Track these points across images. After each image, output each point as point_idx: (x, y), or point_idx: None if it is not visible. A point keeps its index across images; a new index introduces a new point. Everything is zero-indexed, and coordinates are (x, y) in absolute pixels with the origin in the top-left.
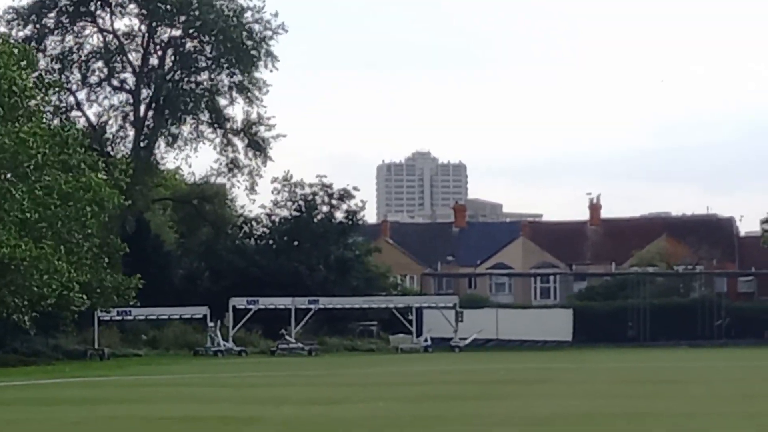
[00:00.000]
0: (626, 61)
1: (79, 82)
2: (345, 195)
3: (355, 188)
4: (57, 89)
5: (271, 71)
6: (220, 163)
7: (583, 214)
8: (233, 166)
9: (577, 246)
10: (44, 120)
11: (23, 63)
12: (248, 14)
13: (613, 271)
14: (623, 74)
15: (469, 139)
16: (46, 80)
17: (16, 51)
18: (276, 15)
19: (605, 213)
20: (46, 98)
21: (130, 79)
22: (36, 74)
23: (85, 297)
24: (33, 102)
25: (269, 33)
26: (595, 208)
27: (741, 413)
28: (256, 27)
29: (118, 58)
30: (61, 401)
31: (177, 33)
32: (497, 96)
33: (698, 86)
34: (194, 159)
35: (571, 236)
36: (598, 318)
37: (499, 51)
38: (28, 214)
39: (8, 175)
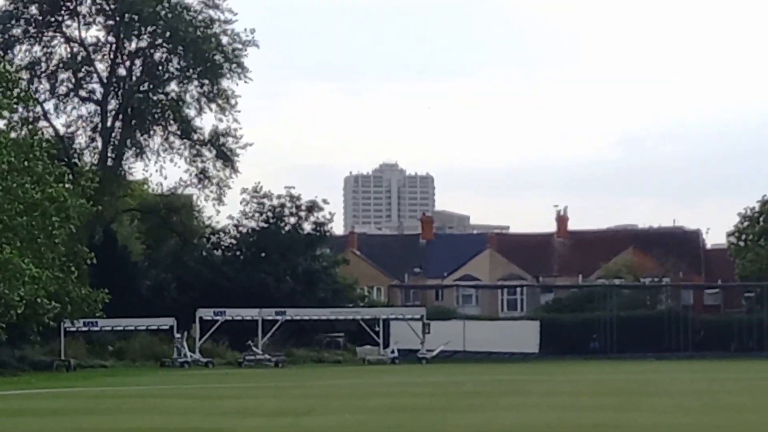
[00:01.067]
0: (593, 73)
1: (48, 93)
2: (313, 207)
3: (324, 201)
4: (27, 100)
5: (238, 84)
6: (190, 174)
7: (550, 226)
8: (203, 176)
9: (544, 258)
10: (12, 129)
11: None
12: (217, 26)
13: (580, 283)
14: (590, 86)
15: (436, 150)
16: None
17: None
18: (253, 31)
19: (572, 225)
20: (13, 107)
21: (98, 90)
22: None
23: (54, 304)
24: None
25: (239, 45)
26: (562, 220)
27: (707, 425)
28: (225, 39)
29: (86, 69)
30: (27, 413)
31: (145, 44)
32: (465, 108)
33: (665, 99)
34: (163, 170)
35: (539, 248)
36: (565, 330)
37: (467, 63)
38: None
39: None
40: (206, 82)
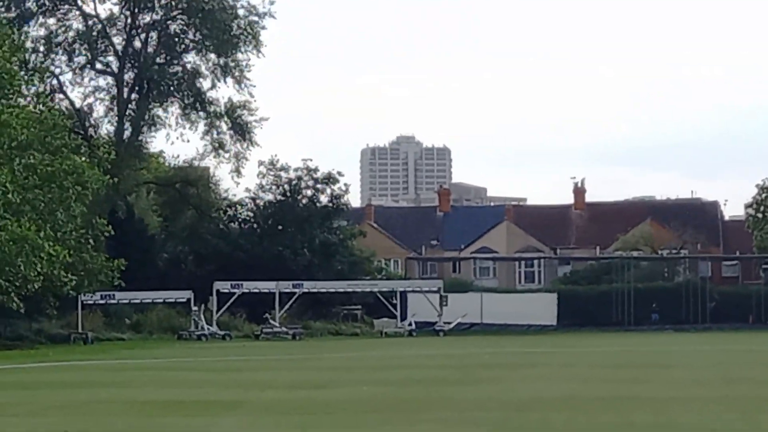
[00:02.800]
0: (611, 46)
1: (63, 66)
2: (329, 179)
3: (339, 173)
4: (42, 73)
5: (257, 56)
6: (206, 146)
7: (567, 198)
8: (219, 148)
9: (561, 230)
10: (28, 103)
11: (6, 47)
12: None
13: (598, 255)
14: (608, 59)
15: (453, 123)
16: (31, 66)
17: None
18: (272, 2)
19: (590, 197)
20: (31, 81)
21: (114, 63)
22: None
23: (71, 276)
24: (17, 85)
25: (256, 18)
26: (579, 192)
27: (723, 398)
28: (242, 11)
29: (102, 42)
30: (45, 385)
31: (159, 16)
32: (481, 80)
33: (683, 72)
34: (179, 142)
35: (556, 220)
36: (582, 302)
37: (484, 36)
38: (10, 196)
39: None
40: (222, 53)
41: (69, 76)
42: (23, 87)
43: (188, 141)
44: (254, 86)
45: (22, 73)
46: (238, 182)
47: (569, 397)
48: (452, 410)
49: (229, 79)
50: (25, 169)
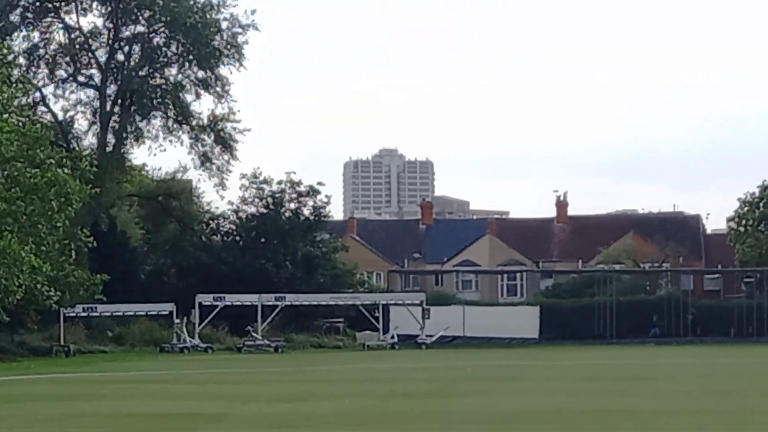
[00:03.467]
0: (594, 57)
1: (46, 78)
2: (311, 191)
3: (320, 183)
4: (25, 85)
5: (238, 70)
6: (193, 158)
7: (550, 212)
8: (205, 160)
9: (544, 243)
10: (11, 115)
11: None
12: (216, 10)
13: (580, 268)
14: (591, 70)
15: (435, 136)
16: (14, 76)
17: None
18: (253, 12)
19: (572, 210)
20: (12, 93)
21: (97, 75)
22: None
23: (53, 290)
24: (1, 97)
25: (239, 30)
26: (561, 205)
27: (707, 410)
28: (225, 24)
29: (84, 54)
30: (27, 398)
31: (143, 29)
32: (464, 93)
33: (666, 83)
34: (161, 155)
35: (538, 233)
36: (565, 315)
37: (466, 47)
38: None
39: None
40: (204, 66)
41: (51, 88)
42: (8, 100)
43: (173, 151)
44: (235, 101)
45: (6, 86)
46: (223, 195)
47: (554, 411)
48: (436, 423)
49: (212, 92)
50: (7, 180)
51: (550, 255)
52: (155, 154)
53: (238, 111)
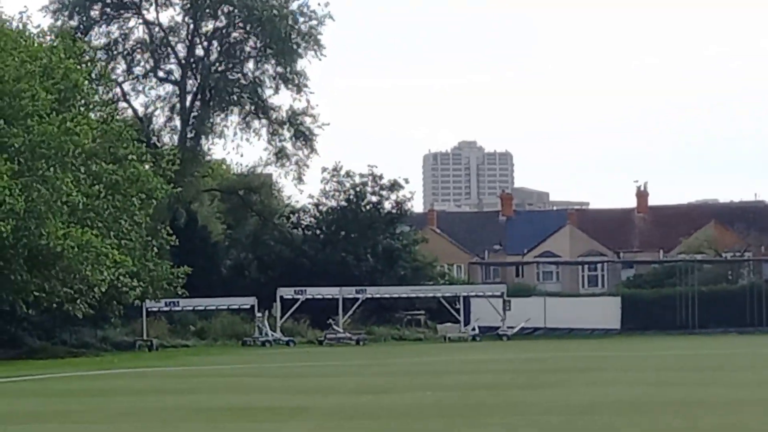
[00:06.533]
0: (670, 47)
1: (125, 74)
2: (394, 185)
3: (405, 180)
4: (105, 81)
5: (319, 60)
6: (269, 153)
7: (630, 202)
8: (282, 155)
9: (624, 234)
10: (93, 111)
11: (67, 54)
12: (294, 4)
13: (661, 258)
14: (669, 60)
15: (514, 128)
16: (94, 72)
17: (68, 43)
18: (327, 4)
19: (652, 200)
20: (94, 89)
21: (176, 70)
22: (86, 66)
23: (135, 283)
24: (83, 93)
25: (315, 22)
26: (642, 195)
27: None
28: (301, 17)
29: (164, 50)
30: (111, 392)
31: (222, 24)
32: (543, 84)
33: (746, 73)
34: (240, 150)
35: (619, 224)
36: (646, 306)
37: (546, 38)
38: (74, 197)
39: (55, 165)
40: (282, 61)
41: (130, 84)
42: (89, 96)
43: (252, 146)
44: (312, 93)
45: (87, 82)
46: (301, 189)
47: (634, 401)
48: (517, 414)
49: (290, 87)
50: (90, 176)
51: (631, 245)
52: (237, 148)
53: (317, 105)
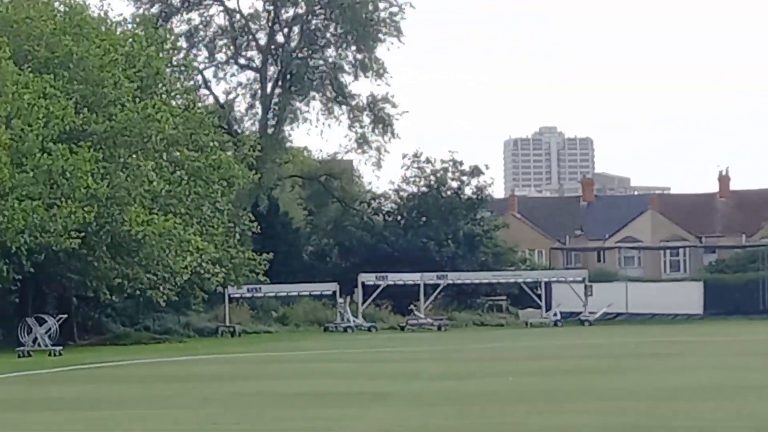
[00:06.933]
0: (748, 29)
1: (206, 61)
2: (475, 171)
3: (486, 166)
4: (187, 68)
5: (401, 42)
6: (349, 140)
7: (712, 186)
8: (362, 141)
9: (706, 218)
10: (175, 98)
11: (149, 42)
12: None
13: (744, 243)
14: (749, 45)
15: (595, 113)
16: (176, 61)
17: (150, 31)
18: None
19: (735, 184)
20: (176, 76)
21: (257, 57)
22: (167, 53)
23: (218, 270)
24: (164, 81)
25: (396, 9)
26: (724, 179)
27: None
28: (382, 4)
29: (244, 37)
30: (194, 378)
31: (302, 10)
32: (624, 69)
33: None
34: (320, 136)
35: (701, 208)
36: (729, 290)
37: (625, 24)
38: (155, 184)
39: (137, 152)
40: (362, 47)
41: (211, 71)
42: (170, 83)
43: (332, 133)
44: (392, 77)
45: (169, 70)
46: (378, 175)
47: (717, 386)
48: (599, 400)
49: (370, 73)
50: (171, 164)
51: (713, 230)
52: (320, 132)
53: (396, 93)
